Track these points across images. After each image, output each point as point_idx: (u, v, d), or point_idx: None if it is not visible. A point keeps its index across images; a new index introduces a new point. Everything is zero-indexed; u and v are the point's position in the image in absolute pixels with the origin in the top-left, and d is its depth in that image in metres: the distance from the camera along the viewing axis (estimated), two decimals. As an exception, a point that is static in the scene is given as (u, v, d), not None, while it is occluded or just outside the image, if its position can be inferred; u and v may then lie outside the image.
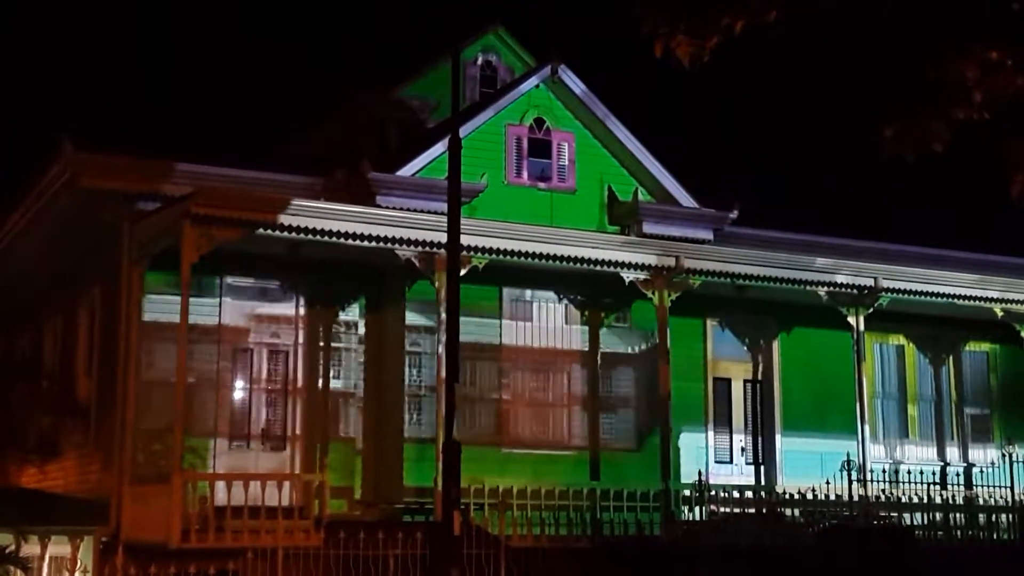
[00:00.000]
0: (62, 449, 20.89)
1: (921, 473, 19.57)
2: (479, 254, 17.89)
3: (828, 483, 18.65)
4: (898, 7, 7.84)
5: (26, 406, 21.20)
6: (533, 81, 21.56)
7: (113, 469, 17.63)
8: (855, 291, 20.49)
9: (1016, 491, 20.40)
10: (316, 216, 16.98)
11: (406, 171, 20.07)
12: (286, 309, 19.30)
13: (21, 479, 22.65)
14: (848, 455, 19.23)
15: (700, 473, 18.55)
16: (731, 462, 21.54)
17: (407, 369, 18.90)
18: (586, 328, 20.42)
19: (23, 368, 22.78)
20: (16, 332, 25.42)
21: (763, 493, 20.06)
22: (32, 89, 39.31)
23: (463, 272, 15.87)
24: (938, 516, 19.64)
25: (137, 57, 42.58)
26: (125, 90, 39.11)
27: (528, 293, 20.15)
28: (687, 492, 18.49)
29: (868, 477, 19.52)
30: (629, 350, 20.52)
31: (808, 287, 20.19)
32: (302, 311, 19.37)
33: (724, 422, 21.64)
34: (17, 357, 24.27)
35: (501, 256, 18.15)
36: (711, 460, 21.05)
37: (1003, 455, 21.50)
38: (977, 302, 21.55)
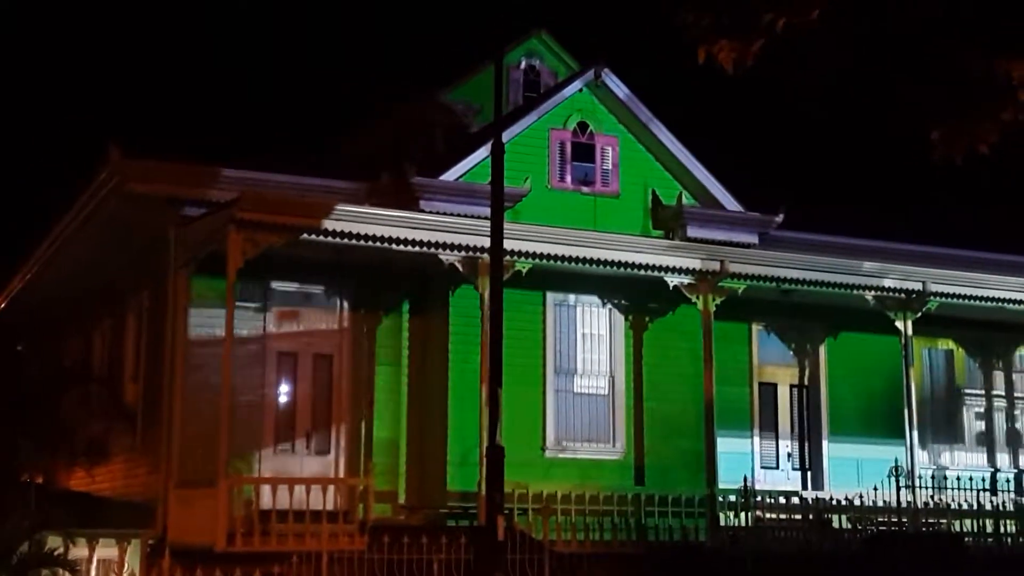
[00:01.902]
0: (110, 453, 21.09)
1: (971, 479, 19.33)
2: (522, 258, 17.88)
3: (876, 489, 18.45)
4: (946, 4, 7.72)
5: (76, 410, 21.40)
6: (576, 85, 21.51)
7: (160, 473, 17.76)
8: (903, 295, 20.27)
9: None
10: (360, 221, 17.04)
11: (450, 175, 20.09)
12: (330, 313, 19.39)
13: (70, 482, 22.89)
14: (896, 461, 19.04)
15: (745, 479, 18.41)
16: (777, 468, 21.38)
17: (450, 373, 18.90)
18: (630, 332, 20.34)
19: (73, 372, 23.02)
20: (66, 337, 25.72)
21: (810, 499, 19.86)
22: (79, 96, 39.81)
23: (506, 276, 15.86)
24: (988, 523, 19.37)
25: (183, 63, 42.95)
26: (171, 96, 39.48)
27: (572, 298, 20.10)
28: (732, 498, 18.36)
29: (916, 483, 19.30)
30: (673, 354, 20.39)
31: (855, 291, 19.99)
32: (346, 315, 19.46)
33: (770, 427, 21.48)
34: (67, 362, 24.53)
35: (544, 260, 18.12)
36: (757, 465, 20.92)
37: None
38: (1028, 306, 21.25)
